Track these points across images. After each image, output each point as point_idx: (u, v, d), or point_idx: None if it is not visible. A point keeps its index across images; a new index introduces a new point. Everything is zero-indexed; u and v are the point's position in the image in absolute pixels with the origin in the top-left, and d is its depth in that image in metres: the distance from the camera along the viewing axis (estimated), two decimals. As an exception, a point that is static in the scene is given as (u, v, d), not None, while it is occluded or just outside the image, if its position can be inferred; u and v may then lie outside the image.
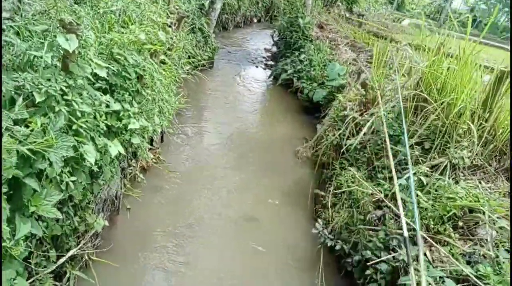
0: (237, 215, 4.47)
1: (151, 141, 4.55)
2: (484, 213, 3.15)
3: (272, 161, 5.94)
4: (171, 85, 3.94)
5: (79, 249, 2.85)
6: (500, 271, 2.61)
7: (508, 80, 3.90)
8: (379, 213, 3.76)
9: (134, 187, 4.33)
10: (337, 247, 3.79)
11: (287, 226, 4.48)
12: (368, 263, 3.26)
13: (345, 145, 4.64)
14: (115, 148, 2.45)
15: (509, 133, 3.84)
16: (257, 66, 10.71)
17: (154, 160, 4.61)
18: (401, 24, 18.21)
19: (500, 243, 2.99)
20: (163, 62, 3.56)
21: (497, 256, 2.80)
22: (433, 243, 3.05)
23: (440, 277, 2.62)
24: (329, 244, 3.84)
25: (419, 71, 4.37)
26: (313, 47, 8.87)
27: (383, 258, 3.20)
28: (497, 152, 3.93)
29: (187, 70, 6.89)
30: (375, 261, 3.22)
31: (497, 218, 3.10)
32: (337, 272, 3.80)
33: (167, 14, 4.40)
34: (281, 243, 4.17)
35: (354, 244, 3.72)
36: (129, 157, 3.96)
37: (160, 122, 3.06)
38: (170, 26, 3.75)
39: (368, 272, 3.27)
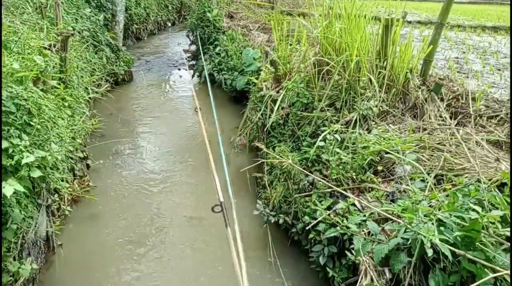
0: (180, 217, 4.43)
1: (72, 170, 4.35)
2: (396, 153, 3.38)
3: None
4: (73, 108, 3.78)
5: (9, 301, 2.67)
6: (419, 202, 2.80)
7: (394, 28, 4.18)
8: (310, 178, 3.90)
9: (68, 220, 4.13)
10: (281, 221, 3.89)
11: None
12: (307, 227, 3.38)
13: (268, 123, 4.75)
14: (10, 187, 2.30)
15: (405, 75, 4.13)
16: (179, 69, 10.58)
17: (83, 188, 4.42)
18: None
19: (415, 174, 3.21)
20: (55, 87, 3.39)
21: (412, 190, 3.01)
22: (354, 196, 3.22)
23: (363, 220, 2.78)
24: (272, 221, 3.93)
25: (316, 37, 4.55)
26: (226, 38, 8.91)
27: (319, 218, 3.33)
28: (400, 94, 4.22)
29: (104, 90, 6.65)
30: (313, 223, 3.34)
31: (408, 153, 3.34)
32: (286, 243, 3.91)
33: (55, 36, 4.18)
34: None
35: (295, 213, 3.85)
36: (50, 192, 3.76)
37: (60, 149, 2.93)
38: (49, 49, 3.57)
39: (311, 235, 3.40)
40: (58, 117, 3.03)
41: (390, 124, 3.83)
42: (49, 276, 3.42)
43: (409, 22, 9.52)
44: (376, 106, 4.00)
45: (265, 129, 4.80)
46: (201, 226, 4.38)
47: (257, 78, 5.50)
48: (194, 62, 10.99)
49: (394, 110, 4.05)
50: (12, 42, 3.48)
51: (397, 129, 3.78)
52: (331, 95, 4.25)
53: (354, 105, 4.05)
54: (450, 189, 2.63)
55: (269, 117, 4.87)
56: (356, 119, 3.91)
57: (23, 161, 2.45)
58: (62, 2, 4.97)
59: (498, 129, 3.30)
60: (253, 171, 5.20)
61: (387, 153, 3.55)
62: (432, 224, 2.20)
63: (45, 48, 3.46)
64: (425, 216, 2.29)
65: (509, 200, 2.26)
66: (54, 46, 3.76)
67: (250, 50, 7.50)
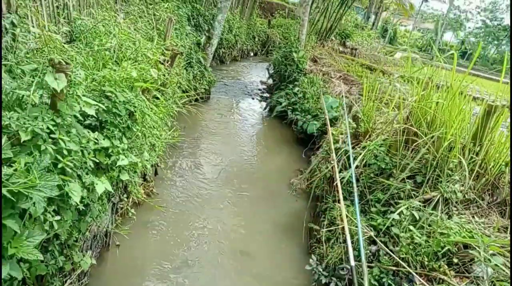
0: (230, 249, 4.38)
1: (144, 175, 4.53)
2: (479, 250, 3.09)
3: (266, 193, 5.91)
4: (164, 119, 3.98)
5: (63, 289, 2.76)
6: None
7: (496, 114, 3.95)
8: (373, 248, 3.70)
9: (125, 221, 4.25)
10: (331, 285, 3.69)
11: (281, 261, 4.39)
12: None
13: (339, 178, 4.62)
14: (102, 185, 2.42)
15: (499, 167, 3.84)
16: (253, 98, 10.87)
17: (147, 194, 4.57)
18: (393, 57, 18.73)
19: (497, 281, 2.91)
20: (156, 97, 3.61)
21: (494, 295, 2.73)
22: (423, 283, 2.97)
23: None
24: (323, 281, 3.74)
25: (409, 105, 4.43)
26: (307, 80, 9.05)
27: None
28: (489, 185, 3.92)
29: (183, 103, 6.98)
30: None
31: (492, 254, 3.04)
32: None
33: (163, 51, 4.50)
34: (275, 279, 4.06)
35: (350, 281, 3.63)
36: (120, 192, 3.93)
37: (150, 158, 3.06)
38: (163, 63, 3.83)
39: (363, 311, 3.16)
40: (155, 127, 3.21)
41: (475, 216, 3.54)
42: (100, 272, 3.50)
43: None
44: (461, 192, 3.74)
45: (334, 184, 4.67)
46: (243, 261, 4.28)
47: (335, 129, 5.43)
48: (267, 95, 11.27)
49: (479, 202, 3.75)
50: (128, 49, 3.79)
51: (482, 224, 3.48)
52: (413, 167, 4.06)
53: (437, 184, 3.82)
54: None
55: (340, 172, 4.75)
56: (437, 201, 3.67)
57: (118, 163, 2.58)
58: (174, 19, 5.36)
59: None
60: (310, 220, 5.06)
61: (466, 246, 3.27)
62: None
63: (161, 63, 3.74)
64: None
65: None
66: (167, 62, 4.04)
67: (329, 98, 7.52)
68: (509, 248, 3.11)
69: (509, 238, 3.21)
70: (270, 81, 11.84)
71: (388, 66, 13.93)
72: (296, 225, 5.07)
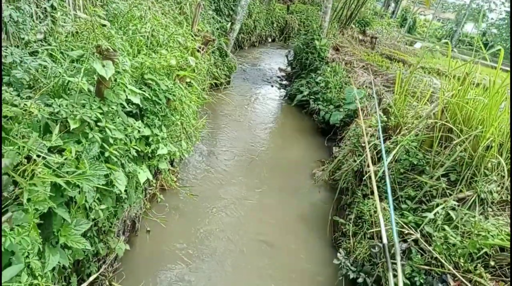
0: (254, 239, 4.38)
1: (172, 161, 4.52)
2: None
3: (288, 182, 5.87)
4: (196, 108, 3.93)
5: (100, 274, 2.78)
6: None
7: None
8: (404, 245, 3.64)
9: (153, 206, 4.27)
10: (359, 280, 3.66)
11: (304, 253, 4.37)
12: (394, 300, 3.13)
13: (367, 172, 4.55)
14: (144, 174, 2.40)
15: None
16: (272, 85, 10.75)
17: (174, 180, 4.57)
18: (413, 46, 18.27)
19: (535, 286, 2.85)
20: (189, 84, 3.56)
21: (534, 301, 2.66)
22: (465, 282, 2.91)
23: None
24: (351, 277, 3.71)
25: (444, 100, 4.29)
26: (329, 69, 8.88)
27: (411, 297, 3.07)
28: (526, 186, 3.81)
29: (208, 90, 6.93)
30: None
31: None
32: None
33: (192, 36, 4.42)
34: (298, 271, 4.06)
35: (378, 278, 3.59)
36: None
37: (188, 148, 3.03)
38: (198, 51, 3.76)
39: (393, 310, 3.13)
40: (191, 116, 3.16)
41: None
42: (130, 258, 3.52)
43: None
44: (498, 192, 3.64)
45: (362, 177, 4.60)
46: (267, 253, 4.27)
47: (365, 122, 5.33)
48: (286, 83, 11.12)
49: (517, 203, 3.65)
50: (161, 34, 3.72)
51: (520, 226, 3.39)
52: (448, 165, 3.96)
53: (473, 183, 3.73)
54: None
55: (368, 166, 4.67)
56: (473, 200, 3.59)
57: (158, 152, 2.55)
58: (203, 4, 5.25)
59: None
60: (334, 213, 5.02)
61: (503, 249, 3.20)
62: None
63: (197, 51, 3.67)
64: None
65: None
66: (202, 49, 3.97)
67: (354, 89, 7.37)
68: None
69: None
70: (289, 68, 11.68)
71: (409, 56, 13.61)
72: (320, 217, 5.04)
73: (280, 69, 12.22)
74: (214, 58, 8.21)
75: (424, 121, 4.42)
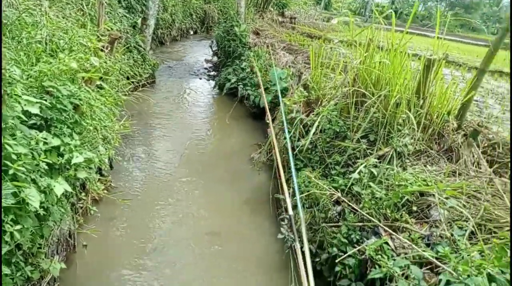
0: (200, 232, 4.38)
1: (99, 170, 4.32)
2: (434, 195, 3.35)
3: (228, 171, 5.92)
4: (112, 110, 3.78)
5: (33, 301, 2.61)
6: (457, 249, 2.77)
7: (436, 67, 4.21)
8: (338, 208, 3.87)
9: (88, 220, 4.07)
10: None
11: (252, 235, 4.47)
12: (336, 260, 3.33)
13: (297, 146, 4.73)
14: (60, 186, 2.27)
15: (442, 117, 4.14)
16: (200, 78, 10.63)
17: (106, 189, 4.38)
18: (330, 23, 19.07)
19: (453, 221, 3.18)
20: (100, 87, 3.40)
21: (452, 235, 2.98)
22: (388, 232, 3.18)
23: (406, 264, 2.74)
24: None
25: (354, 68, 4.57)
26: (253, 54, 8.99)
27: (349, 252, 3.28)
28: (435, 135, 4.23)
29: (128, 91, 6.67)
30: (342, 256, 3.29)
31: (446, 198, 3.31)
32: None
33: (98, 37, 4.21)
34: (248, 253, 4.15)
35: (320, 242, 3.79)
36: (77, 191, 3.72)
37: (107, 152, 2.91)
38: (102, 50, 3.59)
39: (337, 268, 3.33)
40: (105, 119, 3.03)
41: (427, 165, 3.81)
42: (70, 275, 3.35)
43: (447, 62, 9.60)
44: (412, 144, 4.00)
45: (294, 153, 4.77)
46: (215, 241, 4.30)
47: (289, 99, 5.50)
48: (214, 73, 11.08)
49: (429, 151, 4.04)
50: (61, 39, 3.50)
51: (434, 171, 3.76)
52: (365, 127, 4.25)
53: (390, 140, 4.05)
54: (495, 241, 2.59)
55: (298, 141, 4.86)
56: (391, 155, 3.90)
57: (73, 161, 2.42)
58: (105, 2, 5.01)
59: (539, 184, 3.28)
60: (275, 191, 5.17)
61: (422, 194, 3.53)
62: (483, 277, 2.17)
63: (101, 50, 3.48)
64: (475, 268, 2.25)
65: None
66: (107, 48, 3.78)
67: (277, 70, 7.55)
68: (461, 191, 3.40)
69: (458, 181, 3.50)
70: (215, 58, 11.63)
71: (327, 32, 14.22)
72: (262, 198, 5.16)
73: (206, 61, 12.11)
74: (133, 57, 7.91)
75: (339, 90, 4.67)
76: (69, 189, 2.35)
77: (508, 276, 2.16)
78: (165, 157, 5.98)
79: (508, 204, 3.01)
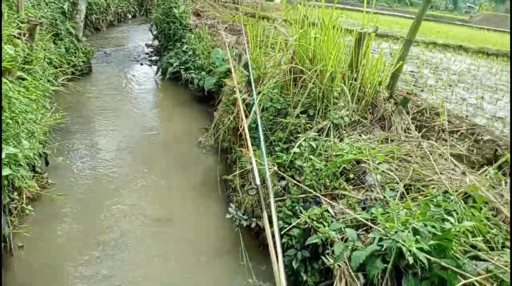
0: (151, 221, 4.30)
1: (33, 167, 4.07)
2: (368, 162, 3.55)
3: (177, 157, 5.83)
4: (40, 102, 3.53)
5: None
6: (387, 209, 2.96)
7: (366, 41, 4.39)
8: (283, 183, 3.98)
9: (24, 220, 3.85)
10: (253, 225, 3.93)
11: (204, 218, 4.47)
12: (282, 232, 3.44)
13: (241, 126, 4.76)
14: (-23, 187, 2.12)
15: (374, 88, 4.35)
16: (141, 64, 10.23)
17: (42, 187, 4.15)
18: (274, 2, 19.04)
19: (386, 184, 3.39)
20: (22, 78, 3.15)
21: (385, 197, 3.18)
22: (328, 201, 3.34)
23: (341, 228, 2.90)
24: (245, 224, 3.95)
25: (291, 45, 4.64)
26: (194, 36, 8.79)
27: (294, 223, 3.41)
28: (369, 106, 4.44)
29: (61, 81, 6.28)
30: (287, 228, 3.41)
31: (379, 163, 3.52)
32: (258, 247, 3.94)
33: (18, 24, 3.89)
34: (198, 237, 4.16)
35: (269, 218, 3.88)
36: (8, 191, 3.49)
37: (31, 146, 2.73)
38: (19, 38, 3.31)
39: (284, 240, 3.45)
40: (28, 111, 2.82)
41: (362, 134, 4.01)
42: (10, 280, 3.17)
43: (376, 35, 9.97)
44: (348, 115, 4.17)
45: (238, 133, 4.80)
46: (166, 228, 4.27)
47: (231, 80, 5.48)
48: (156, 58, 10.71)
49: (364, 121, 4.25)
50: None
51: (368, 140, 3.96)
52: (304, 102, 4.36)
53: (327, 113, 4.19)
54: (421, 199, 2.82)
55: (242, 121, 4.89)
56: (329, 128, 4.05)
57: (-8, 158, 2.26)
58: (24, -14, 4.61)
59: (459, 143, 3.59)
60: (223, 173, 5.19)
61: (358, 162, 3.72)
62: (409, 232, 2.35)
63: (16, 37, 3.20)
64: (401, 224, 2.43)
65: (475, 212, 2.47)
66: (24, 35, 3.49)
67: (219, 51, 7.46)
68: (392, 156, 3.63)
69: (389, 146, 3.73)
70: (156, 42, 11.22)
71: (271, 12, 14.20)
72: (212, 180, 5.16)
73: (147, 45, 11.64)
74: (64, 45, 7.42)
75: (278, 68, 4.73)
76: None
77: (430, 228, 2.36)
78: (108, 149, 5.75)
79: (434, 165, 3.26)
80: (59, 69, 6.32)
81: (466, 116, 4.14)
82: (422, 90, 5.62)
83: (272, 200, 3.16)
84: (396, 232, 2.33)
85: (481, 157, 3.42)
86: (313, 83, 4.24)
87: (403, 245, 2.20)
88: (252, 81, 4.49)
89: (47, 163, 4.66)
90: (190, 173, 5.40)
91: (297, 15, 4.86)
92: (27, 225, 3.73)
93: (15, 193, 3.54)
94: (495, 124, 4.18)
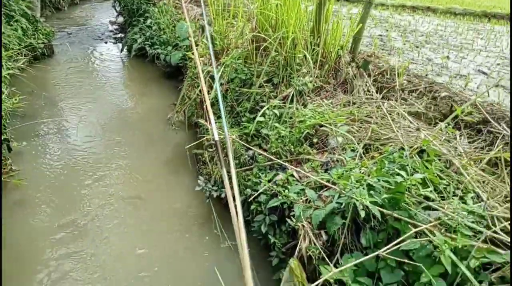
0: (122, 200, 4.31)
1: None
2: (330, 126, 3.61)
3: (146, 135, 5.77)
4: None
5: None
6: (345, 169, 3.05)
7: (327, 5, 4.35)
8: (250, 153, 4.02)
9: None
10: (223, 195, 3.98)
11: (176, 194, 4.50)
12: (250, 199, 3.52)
13: (207, 99, 4.71)
14: None
15: (336, 52, 4.36)
16: (106, 42, 9.89)
17: (5, 173, 4.06)
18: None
19: (346, 144, 3.47)
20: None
21: (344, 158, 3.27)
22: (293, 167, 3.40)
23: (302, 189, 2.98)
24: (215, 195, 4.01)
25: (253, 14, 4.56)
26: (158, 10, 8.50)
27: (260, 190, 3.47)
28: (332, 71, 4.47)
29: (22, 64, 6.04)
30: (255, 195, 3.48)
31: (340, 126, 3.58)
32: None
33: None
34: (176, 211, 4.20)
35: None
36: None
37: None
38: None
39: (252, 206, 3.53)
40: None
41: (324, 99, 4.05)
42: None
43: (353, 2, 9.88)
44: (311, 82, 4.19)
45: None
46: (139, 204, 4.29)
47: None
48: (121, 35, 10.36)
49: (327, 86, 4.28)
50: None
51: (330, 104, 4.02)
52: (268, 71, 4.35)
53: (291, 81, 4.20)
54: (378, 157, 2.91)
55: (208, 94, 4.84)
56: (293, 95, 4.07)
57: None
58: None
59: (418, 102, 3.68)
60: (193, 148, 5.19)
61: (321, 126, 3.78)
62: (363, 188, 2.45)
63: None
64: (357, 181, 2.52)
65: (428, 165, 2.58)
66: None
67: (184, 24, 7.26)
68: (353, 118, 3.70)
69: (349, 110, 3.79)
70: (120, 19, 10.81)
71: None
72: (182, 155, 5.16)
73: (111, 22, 11.22)
74: (21, 26, 7.06)
75: (241, 38, 4.67)
76: None
77: (383, 183, 2.46)
78: (76, 132, 5.63)
79: (392, 123, 3.35)
80: (16, 52, 6.04)
81: (426, 75, 4.23)
82: (389, 54, 5.67)
83: (231, 159, 3.21)
84: (350, 189, 2.41)
85: (438, 113, 3.53)
86: (276, 51, 4.21)
87: (356, 200, 2.29)
88: (212, 53, 4.41)
89: (9, 149, 4.54)
90: (161, 150, 5.37)
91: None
92: (-8, 212, 3.67)
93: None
94: (457, 81, 4.27)
